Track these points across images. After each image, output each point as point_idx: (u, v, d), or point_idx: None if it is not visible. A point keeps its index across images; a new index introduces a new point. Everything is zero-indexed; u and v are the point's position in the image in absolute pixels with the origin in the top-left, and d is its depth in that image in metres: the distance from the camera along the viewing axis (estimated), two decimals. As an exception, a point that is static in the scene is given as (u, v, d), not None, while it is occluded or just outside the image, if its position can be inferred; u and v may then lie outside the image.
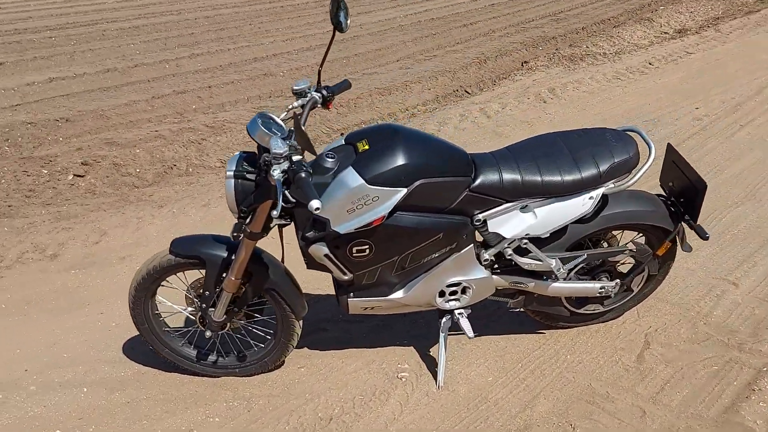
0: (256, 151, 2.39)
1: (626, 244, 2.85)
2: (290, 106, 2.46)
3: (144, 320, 2.67)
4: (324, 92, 2.56)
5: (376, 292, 2.63)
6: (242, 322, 2.74)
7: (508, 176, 2.49)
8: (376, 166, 2.31)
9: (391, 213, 2.38)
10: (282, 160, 2.12)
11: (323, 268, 2.53)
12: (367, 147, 2.39)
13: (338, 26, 2.56)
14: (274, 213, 2.07)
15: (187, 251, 2.51)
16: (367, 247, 2.45)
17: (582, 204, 2.54)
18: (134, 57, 8.59)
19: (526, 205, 2.55)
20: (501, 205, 2.53)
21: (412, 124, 6.08)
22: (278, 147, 2.11)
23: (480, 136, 5.60)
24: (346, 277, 2.55)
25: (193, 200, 4.48)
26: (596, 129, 2.71)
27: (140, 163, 5.09)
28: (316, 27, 10.62)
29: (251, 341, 2.82)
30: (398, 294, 2.64)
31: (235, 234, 2.32)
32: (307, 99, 2.50)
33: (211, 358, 2.80)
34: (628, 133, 2.69)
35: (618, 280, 2.85)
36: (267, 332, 2.80)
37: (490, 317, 3.19)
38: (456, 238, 2.53)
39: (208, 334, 2.69)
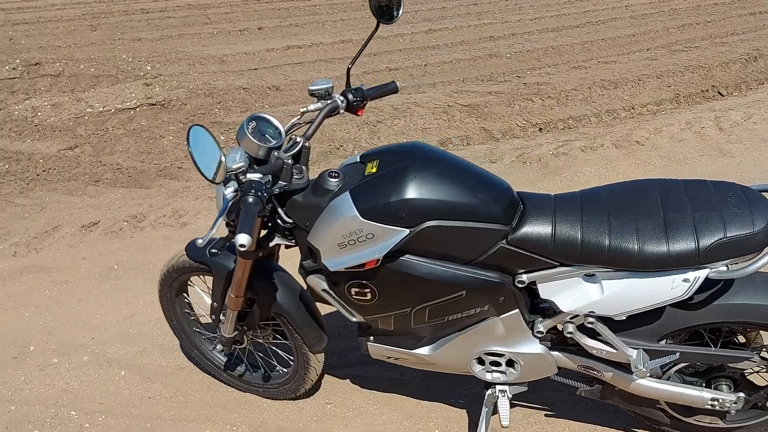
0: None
1: (762, 347, 1.96)
2: (303, 109, 2.07)
3: (172, 317, 2.55)
4: (350, 96, 2.12)
5: (397, 341, 2.17)
6: (261, 341, 2.47)
7: (563, 232, 1.83)
8: (374, 197, 1.84)
9: (395, 255, 1.89)
10: (237, 176, 1.77)
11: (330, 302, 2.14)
12: (374, 170, 1.93)
13: (382, 16, 2.11)
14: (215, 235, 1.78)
15: (197, 255, 2.30)
16: (368, 291, 1.99)
17: (671, 287, 1.77)
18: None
19: (593, 274, 1.85)
20: (554, 267, 1.87)
21: (620, 127, 5.14)
22: (233, 161, 1.76)
23: (695, 152, 4.51)
24: (354, 319, 2.13)
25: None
26: (721, 183, 1.86)
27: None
28: (575, 5, 9.69)
29: (275, 363, 2.54)
30: (425, 350, 2.15)
31: (213, 250, 2.03)
32: (328, 103, 2.09)
33: (239, 370, 2.59)
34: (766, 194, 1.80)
35: (743, 394, 1.97)
36: (289, 358, 2.50)
37: (558, 392, 2.48)
38: (488, 299, 1.95)
39: (218, 347, 2.47)
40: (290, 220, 2.04)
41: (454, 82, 6.45)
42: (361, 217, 1.84)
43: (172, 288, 2.46)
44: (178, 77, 6.42)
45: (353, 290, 2.01)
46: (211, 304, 2.35)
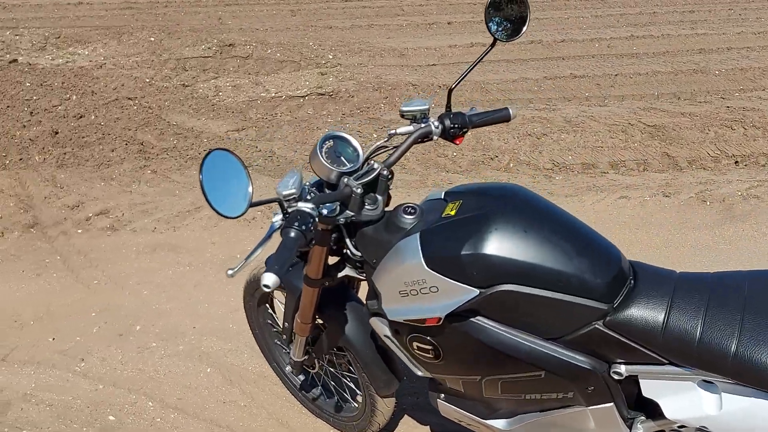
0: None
1: None
2: (391, 131, 1.81)
3: (255, 326, 2.45)
4: (448, 121, 1.83)
5: (469, 407, 1.87)
6: (334, 370, 2.27)
7: (677, 325, 1.43)
8: (444, 245, 1.57)
9: (464, 314, 1.59)
10: (283, 204, 1.58)
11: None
12: (452, 212, 1.64)
13: (500, 32, 1.81)
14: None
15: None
16: (431, 348, 1.71)
17: None
18: (570, 31, 8.08)
19: (711, 382, 1.43)
20: (661, 365, 1.47)
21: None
22: (284, 186, 1.57)
23: None
24: (419, 373, 1.86)
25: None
26: None
27: (462, 145, 4.75)
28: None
29: (347, 395, 2.33)
30: (500, 423, 1.83)
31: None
32: (420, 127, 1.83)
33: (313, 393, 2.43)
34: None
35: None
36: (359, 393, 2.28)
37: None
38: (574, 386, 1.59)
39: (287, 369, 2.32)
40: (359, 254, 1.81)
41: (645, 97, 5.75)
42: (426, 266, 1.57)
43: (254, 297, 2.35)
44: (353, 68, 6.43)
45: (415, 344, 1.73)
46: (283, 323, 2.21)
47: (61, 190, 4.03)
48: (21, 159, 4.34)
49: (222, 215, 1.37)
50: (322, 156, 1.71)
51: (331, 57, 6.86)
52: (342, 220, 1.73)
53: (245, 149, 4.71)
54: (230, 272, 1.56)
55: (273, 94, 5.76)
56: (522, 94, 5.90)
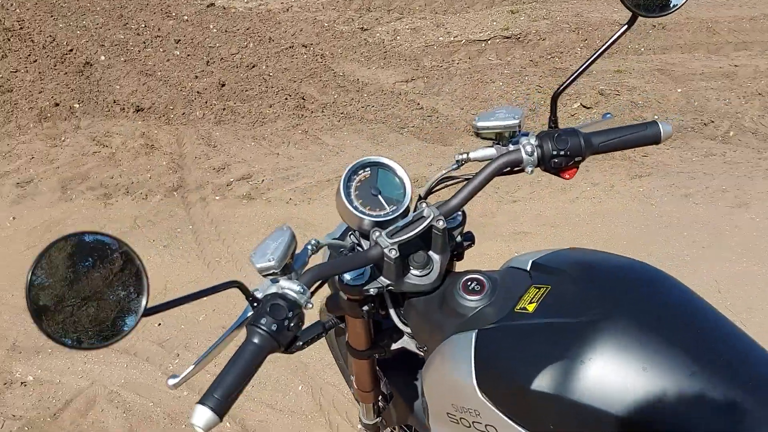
0: None
1: None
2: (460, 156, 1.24)
3: (338, 355, 2.05)
4: (552, 144, 1.19)
5: None
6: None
7: None
8: (509, 367, 1.02)
9: None
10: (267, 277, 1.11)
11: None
12: (531, 306, 1.06)
13: (643, 5, 1.13)
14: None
15: (333, 307, 1.71)
16: None
17: None
18: None
19: None
20: None
21: None
22: (260, 254, 1.08)
23: None
24: None
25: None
26: None
27: (667, 105, 3.80)
28: None
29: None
30: None
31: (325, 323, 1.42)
32: (506, 151, 1.22)
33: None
34: None
35: None
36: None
37: None
38: None
39: (359, 426, 1.89)
40: (408, 330, 1.30)
41: None
42: (479, 392, 1.02)
43: (328, 326, 1.93)
44: (550, 4, 5.54)
45: None
46: (341, 365, 1.78)
47: (213, 150, 3.92)
48: (184, 113, 4.32)
49: (62, 344, 0.83)
50: (348, 194, 1.20)
51: (528, -10, 6.01)
52: (373, 291, 1.21)
53: (404, 106, 4.23)
54: (171, 382, 1.11)
55: (452, 38, 5.15)
56: (761, 35, 4.61)
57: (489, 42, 5.02)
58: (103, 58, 5.03)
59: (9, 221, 3.41)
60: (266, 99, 4.43)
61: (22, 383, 2.42)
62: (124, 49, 5.12)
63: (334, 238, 1.34)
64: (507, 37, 5.02)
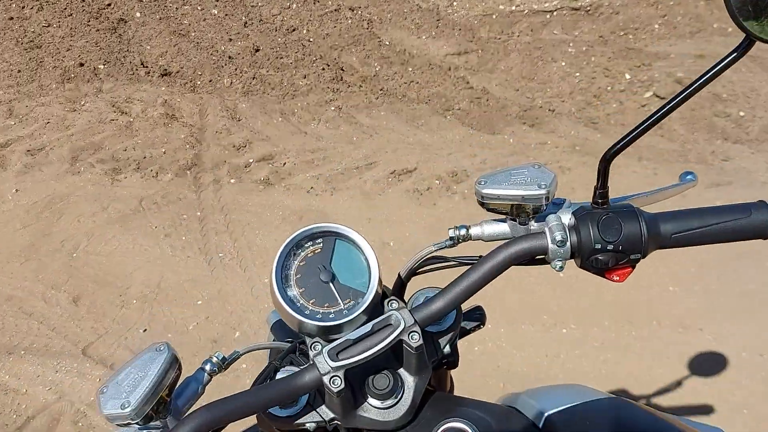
0: None
1: None
2: (455, 233, 0.85)
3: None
4: (599, 230, 0.78)
5: None
6: None
7: None
8: None
9: None
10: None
11: None
12: None
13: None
14: None
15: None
16: None
17: None
18: None
19: None
20: None
21: None
22: (110, 396, 0.71)
23: None
24: None
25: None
26: None
27: None
28: None
29: None
30: None
31: None
32: (518, 232, 0.80)
33: None
34: None
35: None
36: None
37: None
38: None
39: None
40: None
41: None
42: None
43: None
44: (631, -29, 4.90)
45: None
46: None
47: (236, 124, 3.57)
48: (211, 81, 3.97)
49: None
50: (284, 278, 0.82)
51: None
52: (310, 427, 0.83)
53: (452, 85, 3.76)
54: None
55: (514, 7, 4.61)
56: None
57: (555, 13, 4.45)
58: (138, 14, 4.71)
59: (11, 194, 3.16)
60: (301, 68, 4.03)
61: (-15, 390, 2.17)
62: (161, 5, 4.78)
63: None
64: (575, 9, 4.45)
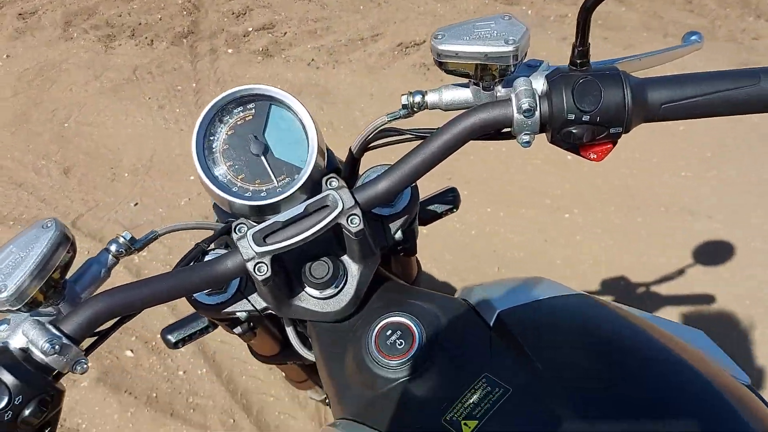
0: None
1: None
2: (408, 99, 0.72)
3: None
4: (575, 97, 0.65)
5: None
6: None
7: None
8: None
9: None
10: None
11: None
12: (466, 428, 0.58)
13: None
14: None
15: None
16: None
17: None
18: None
19: None
20: None
21: None
22: None
23: None
24: None
25: None
26: None
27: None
28: None
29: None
30: None
31: None
32: (480, 100, 0.68)
33: None
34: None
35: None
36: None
37: None
38: None
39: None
40: (310, 358, 0.87)
41: None
42: None
43: None
44: None
45: None
46: None
47: (236, -12, 3.34)
48: (211, -59, 3.69)
49: None
50: (208, 150, 0.72)
51: None
52: (240, 316, 0.76)
53: None
54: None
55: None
56: None
57: None
58: None
59: (2, 59, 3.04)
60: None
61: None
62: None
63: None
64: None
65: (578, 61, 0.64)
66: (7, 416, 0.55)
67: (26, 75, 2.94)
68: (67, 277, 0.68)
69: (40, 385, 0.57)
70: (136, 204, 2.34)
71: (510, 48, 0.64)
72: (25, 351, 0.59)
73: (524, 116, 0.63)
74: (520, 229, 2.19)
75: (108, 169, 2.47)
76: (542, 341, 0.63)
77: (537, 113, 0.63)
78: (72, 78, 2.90)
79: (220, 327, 0.85)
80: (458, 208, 0.98)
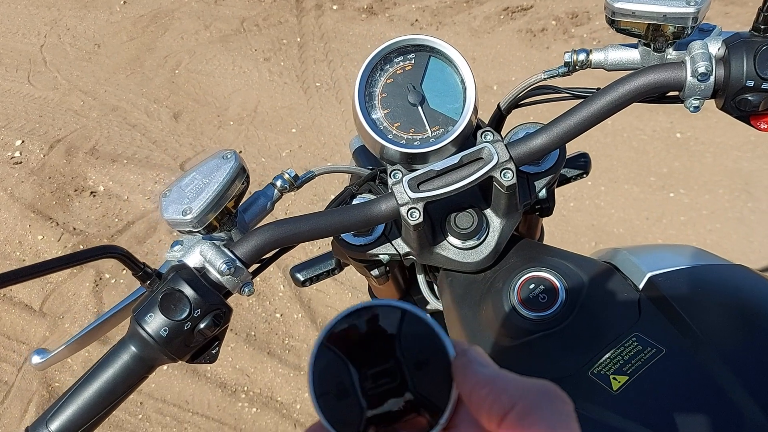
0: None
1: None
2: (571, 57, 0.72)
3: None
4: (757, 62, 0.65)
5: None
6: None
7: None
8: None
9: None
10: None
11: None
12: (616, 382, 0.61)
13: None
14: None
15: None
16: None
17: None
18: None
19: None
20: None
21: None
22: (169, 202, 0.67)
23: None
24: None
25: None
26: None
27: None
28: None
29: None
30: None
31: None
32: (650, 61, 0.69)
33: None
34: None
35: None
36: None
37: None
38: None
39: None
40: (439, 306, 0.90)
41: None
42: None
43: None
44: None
45: None
46: None
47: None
48: None
49: None
50: (368, 97, 0.74)
51: None
52: (383, 258, 0.79)
53: None
54: (36, 361, 0.75)
55: None
56: None
57: None
58: None
59: (120, 5, 3.17)
60: None
61: (92, 193, 2.30)
62: None
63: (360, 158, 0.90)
64: None
65: (762, 27, 0.62)
66: (187, 326, 0.60)
67: (141, 21, 3.05)
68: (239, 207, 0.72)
69: (216, 301, 0.61)
70: (240, 152, 2.42)
71: (691, 9, 0.62)
72: (200, 270, 0.63)
73: (698, 80, 0.62)
74: (620, 204, 2.14)
75: (215, 117, 2.56)
76: (699, 307, 0.63)
77: (712, 78, 0.62)
78: (183, 26, 3.00)
79: (352, 267, 0.88)
80: (588, 174, 0.97)
